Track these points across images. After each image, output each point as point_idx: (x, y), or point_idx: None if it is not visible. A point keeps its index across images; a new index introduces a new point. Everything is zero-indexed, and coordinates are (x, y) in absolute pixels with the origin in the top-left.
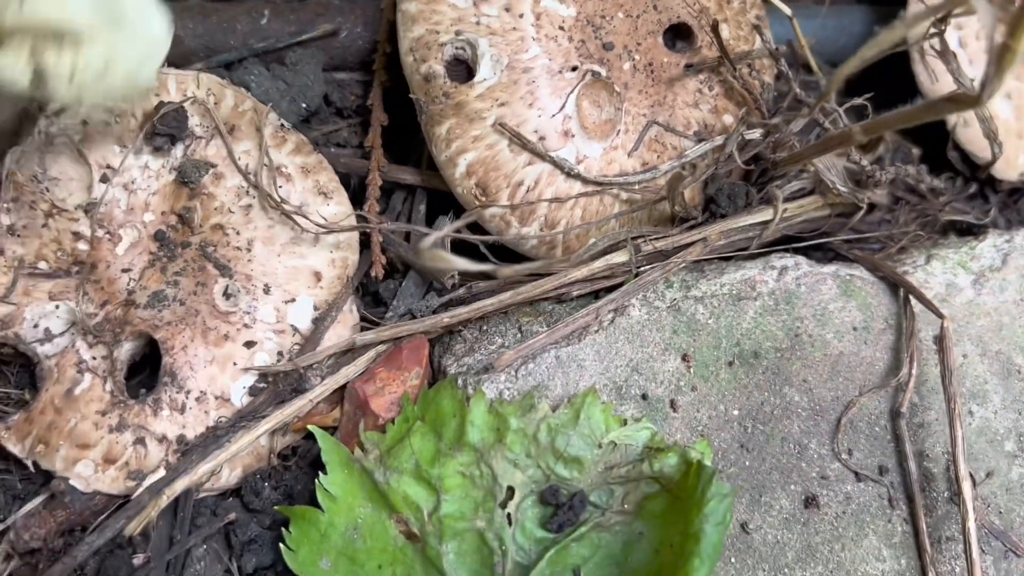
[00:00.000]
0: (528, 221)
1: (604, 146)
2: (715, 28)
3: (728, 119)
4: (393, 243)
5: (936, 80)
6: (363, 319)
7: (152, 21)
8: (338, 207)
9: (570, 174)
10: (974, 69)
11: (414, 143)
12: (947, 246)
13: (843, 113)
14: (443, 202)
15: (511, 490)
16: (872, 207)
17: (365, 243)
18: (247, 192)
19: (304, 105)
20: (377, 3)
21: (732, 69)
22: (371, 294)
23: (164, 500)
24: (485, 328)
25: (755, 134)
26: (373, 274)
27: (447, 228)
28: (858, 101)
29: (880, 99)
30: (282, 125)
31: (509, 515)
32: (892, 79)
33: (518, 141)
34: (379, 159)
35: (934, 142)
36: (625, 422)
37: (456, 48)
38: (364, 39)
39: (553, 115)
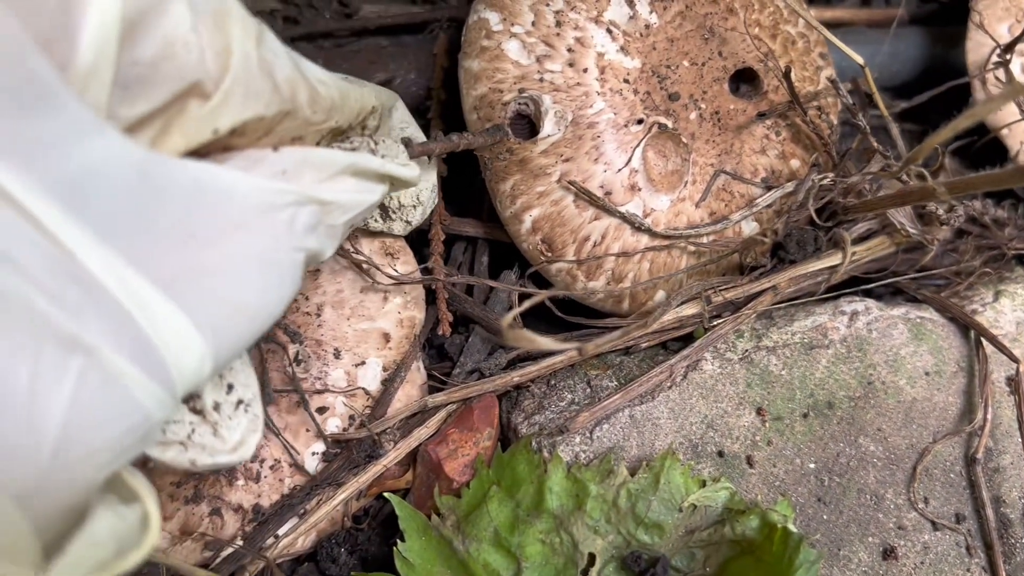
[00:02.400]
0: (595, 276)
1: (672, 198)
2: (787, 74)
3: (795, 164)
4: (458, 299)
5: (999, 110)
6: (429, 375)
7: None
8: (404, 267)
9: (640, 229)
10: None
11: (474, 194)
12: (1014, 280)
13: (928, 174)
14: (505, 253)
15: (592, 557)
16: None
17: (429, 299)
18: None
19: None
20: (429, 49)
21: (803, 114)
22: (435, 348)
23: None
24: (553, 383)
25: (827, 180)
26: (440, 331)
27: (527, 304)
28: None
29: (927, 110)
30: None
31: None
32: (946, 99)
33: (586, 198)
34: (440, 212)
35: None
36: (704, 483)
37: (520, 104)
38: (418, 86)
39: (619, 169)
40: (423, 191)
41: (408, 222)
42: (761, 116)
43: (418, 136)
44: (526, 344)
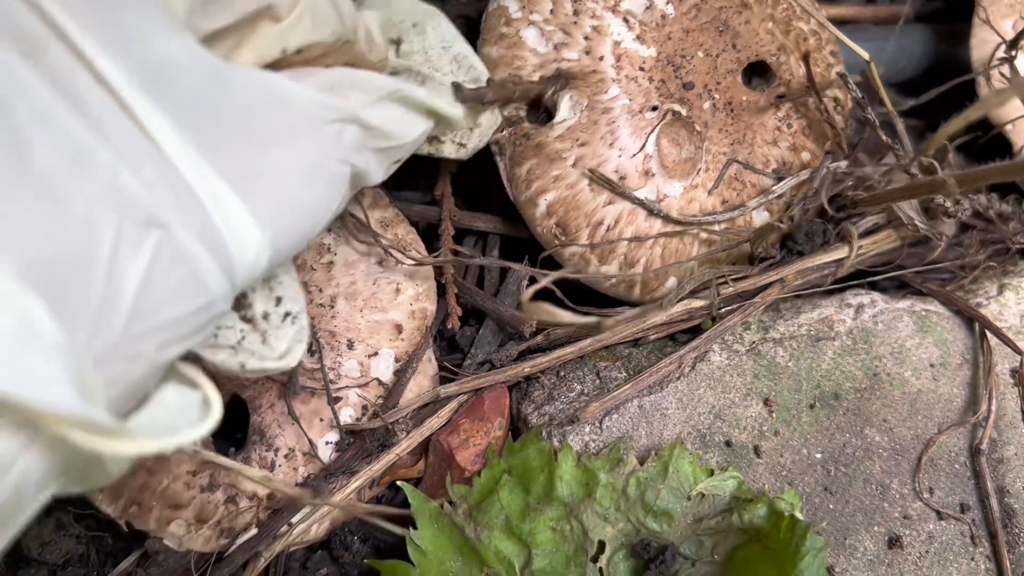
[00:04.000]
0: (608, 260)
1: (685, 185)
2: (806, 59)
3: (806, 156)
4: (468, 291)
5: (1003, 106)
6: (440, 366)
7: None
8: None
9: (654, 214)
10: None
11: (484, 188)
12: (1018, 274)
13: (938, 166)
14: (516, 247)
15: (602, 544)
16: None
17: (441, 292)
18: (328, 250)
19: None
20: (450, 14)
21: (819, 100)
22: (446, 340)
23: (262, 562)
24: (563, 374)
25: (840, 166)
26: (450, 325)
27: (546, 280)
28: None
29: (931, 107)
30: None
31: (601, 569)
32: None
33: (604, 184)
34: (451, 207)
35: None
36: (712, 472)
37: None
38: None
39: (633, 154)
40: (483, 113)
41: (462, 144)
42: (780, 98)
43: (465, 51)
44: (546, 318)
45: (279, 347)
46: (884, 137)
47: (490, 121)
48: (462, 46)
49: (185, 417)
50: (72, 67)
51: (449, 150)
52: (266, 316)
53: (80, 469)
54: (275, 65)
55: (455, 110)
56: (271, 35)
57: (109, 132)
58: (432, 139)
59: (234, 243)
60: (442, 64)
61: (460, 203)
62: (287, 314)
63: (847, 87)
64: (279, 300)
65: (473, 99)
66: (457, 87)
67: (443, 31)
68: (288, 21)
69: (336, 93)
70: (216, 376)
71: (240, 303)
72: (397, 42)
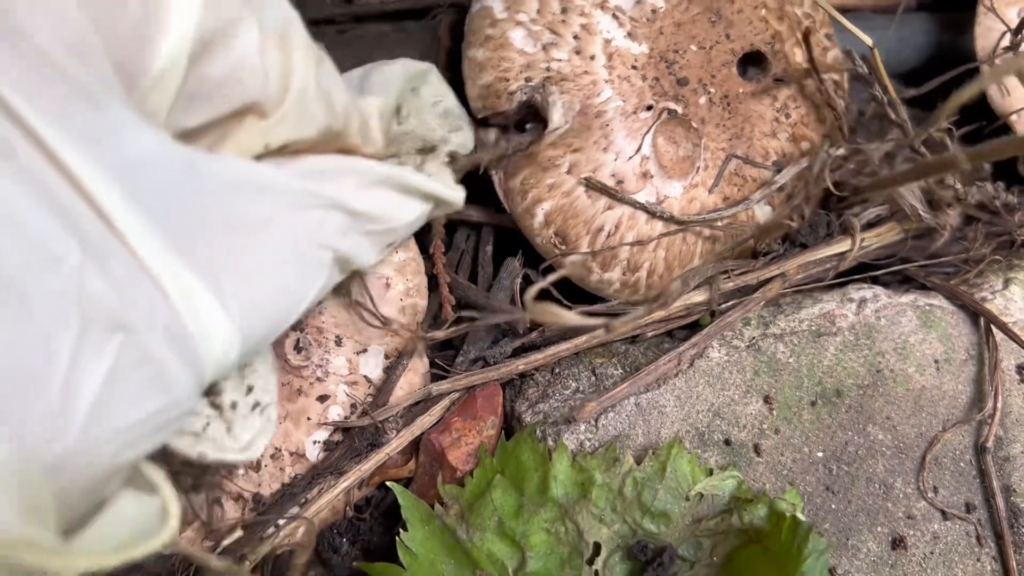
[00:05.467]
0: (610, 266)
1: (684, 184)
2: (806, 36)
3: (806, 146)
4: (460, 286)
5: (1007, 94)
6: (432, 363)
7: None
8: (406, 253)
9: (655, 215)
10: None
11: (478, 179)
12: None
13: (948, 141)
14: (509, 240)
15: (597, 546)
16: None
17: (432, 286)
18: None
19: None
20: (431, 35)
21: (819, 81)
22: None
23: (247, 566)
24: (557, 371)
25: (842, 150)
26: (442, 316)
27: (549, 279)
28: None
29: (933, 97)
30: None
31: (596, 572)
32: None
33: (601, 191)
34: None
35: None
36: (711, 471)
37: (526, 95)
38: None
39: (630, 157)
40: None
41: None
42: (778, 81)
43: (451, 105)
44: (551, 319)
45: (243, 438)
46: (891, 114)
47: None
48: (450, 100)
49: (141, 527)
50: (41, 166)
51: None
52: (234, 405)
53: None
54: (260, 156)
55: (456, 194)
56: (255, 131)
57: (78, 231)
58: None
59: (202, 339)
60: (431, 121)
61: None
62: (256, 404)
63: (852, 62)
64: (250, 389)
65: (469, 166)
66: (452, 157)
67: (434, 87)
68: (273, 118)
69: (324, 179)
70: None
71: (211, 389)
72: (398, 111)
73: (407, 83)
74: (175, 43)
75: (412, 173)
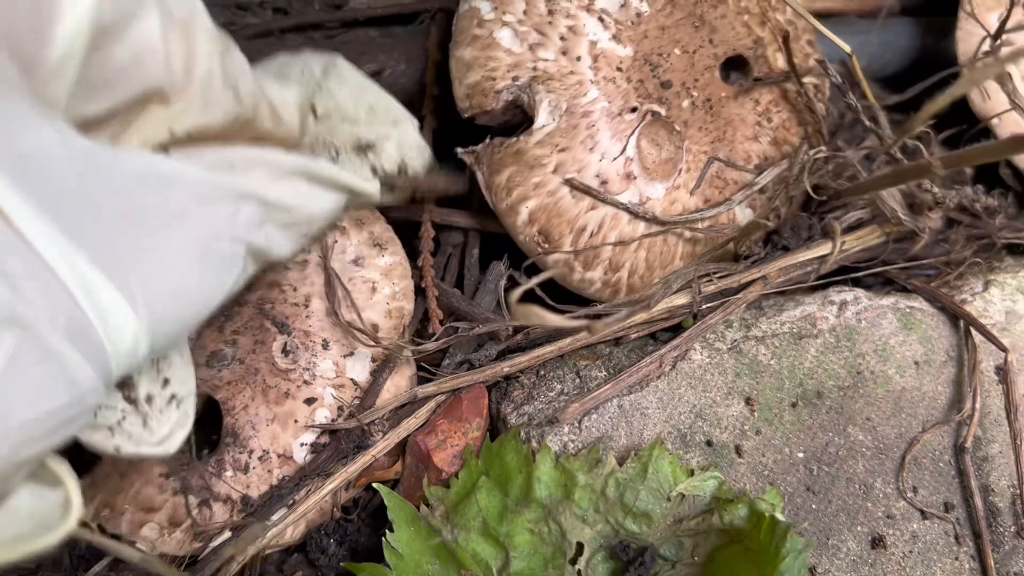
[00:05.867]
0: (592, 266)
1: (666, 186)
2: (786, 40)
3: (788, 150)
4: (445, 293)
5: (988, 98)
6: (418, 366)
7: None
8: (393, 257)
9: (637, 216)
10: None
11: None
12: (1004, 270)
13: (924, 148)
14: (496, 245)
15: (580, 546)
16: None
17: (419, 290)
18: (303, 248)
19: None
20: (419, 40)
21: (799, 84)
22: (425, 339)
23: (235, 567)
24: (543, 373)
25: (822, 153)
26: (431, 331)
27: (534, 281)
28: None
29: (916, 101)
30: None
31: (579, 572)
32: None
33: (584, 192)
34: (431, 206)
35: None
36: (692, 472)
37: (512, 94)
38: (408, 77)
39: (615, 158)
40: (407, 153)
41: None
42: (757, 81)
43: (376, 99)
44: (536, 321)
45: (160, 432)
46: (866, 121)
47: (415, 148)
48: (374, 94)
49: (41, 521)
50: None
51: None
52: (149, 399)
53: None
54: (167, 147)
55: (370, 186)
56: (158, 119)
57: None
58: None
59: (107, 334)
60: (359, 117)
61: (441, 199)
62: (172, 397)
63: (826, 71)
64: (166, 382)
65: (405, 187)
66: (400, 170)
67: (349, 82)
68: (177, 106)
69: (234, 170)
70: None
71: (125, 382)
72: (313, 109)
73: (320, 75)
74: (71, 29)
75: (324, 163)
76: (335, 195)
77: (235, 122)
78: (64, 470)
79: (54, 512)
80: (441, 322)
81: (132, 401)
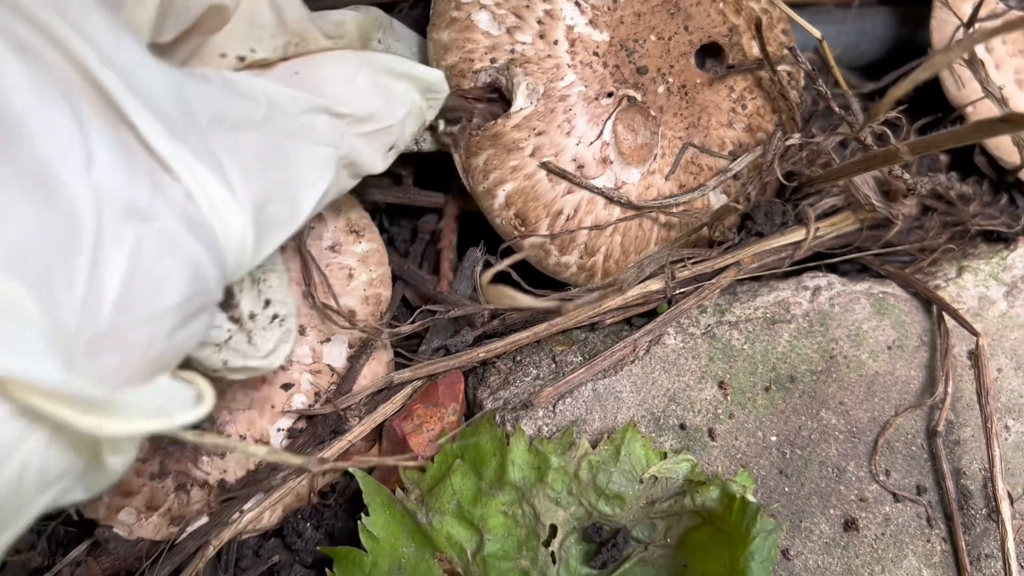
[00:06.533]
0: (568, 249)
1: (642, 171)
2: (758, 27)
3: (762, 137)
4: (422, 281)
5: (963, 86)
6: (395, 352)
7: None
8: (370, 244)
9: (613, 201)
10: (1001, 75)
11: (442, 167)
12: (978, 256)
13: (891, 133)
14: (472, 225)
15: (554, 528)
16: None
17: (395, 278)
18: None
19: None
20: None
21: (772, 71)
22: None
23: (211, 551)
24: (519, 358)
25: (794, 140)
26: (439, 289)
27: (505, 262)
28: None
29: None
30: None
31: (553, 553)
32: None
33: (558, 174)
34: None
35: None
36: (665, 455)
37: (491, 76)
38: None
39: (591, 142)
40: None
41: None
42: (730, 68)
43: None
44: (507, 302)
45: (264, 347)
46: (835, 107)
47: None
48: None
49: (178, 402)
50: (58, 60)
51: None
52: (253, 316)
53: (81, 468)
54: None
55: (433, 73)
56: (211, 44)
57: (92, 123)
58: (435, 136)
59: (220, 226)
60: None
61: (418, 182)
62: (275, 316)
63: (796, 59)
64: (268, 303)
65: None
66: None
67: (403, 36)
68: (224, 30)
69: (301, 81)
70: None
71: (228, 304)
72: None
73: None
74: None
75: (382, 55)
76: (407, 98)
77: (287, 48)
78: (193, 374)
79: (189, 400)
80: (425, 301)
81: (236, 320)
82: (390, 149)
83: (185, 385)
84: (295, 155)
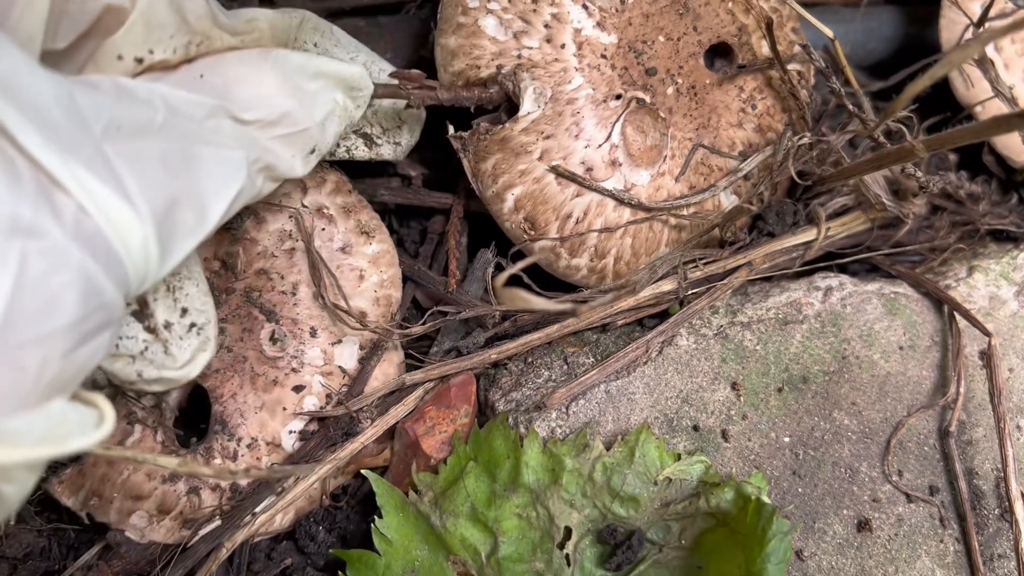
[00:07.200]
0: (578, 252)
1: (651, 173)
2: (769, 26)
3: (772, 137)
4: (433, 281)
5: (972, 86)
6: (406, 354)
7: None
8: (380, 245)
9: (623, 203)
10: (1010, 75)
11: (451, 169)
12: (988, 256)
13: (907, 131)
14: (482, 227)
15: (568, 530)
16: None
17: (406, 279)
18: (290, 236)
19: None
20: (405, 30)
21: (783, 70)
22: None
23: (223, 554)
24: (531, 360)
25: (806, 139)
26: (448, 289)
27: (518, 265)
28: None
29: (900, 88)
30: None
31: (567, 556)
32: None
33: (567, 177)
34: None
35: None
36: (679, 456)
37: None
38: (396, 66)
39: (600, 145)
40: (402, 108)
41: (397, 143)
42: (742, 68)
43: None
44: (521, 305)
45: (181, 357)
46: (849, 105)
47: (416, 115)
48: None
49: (74, 426)
50: None
51: (387, 151)
52: (168, 326)
53: None
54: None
55: (352, 69)
56: (111, 50)
57: None
58: (369, 143)
59: (118, 238)
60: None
61: (428, 183)
62: (192, 325)
63: (809, 57)
64: (184, 311)
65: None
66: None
67: (323, 31)
68: (120, 31)
69: (202, 84)
70: None
71: (143, 314)
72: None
73: (299, 17)
74: None
75: (295, 53)
76: (325, 97)
77: (189, 48)
78: (96, 395)
79: (87, 424)
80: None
81: (152, 330)
82: (311, 152)
83: (84, 407)
84: (200, 160)
